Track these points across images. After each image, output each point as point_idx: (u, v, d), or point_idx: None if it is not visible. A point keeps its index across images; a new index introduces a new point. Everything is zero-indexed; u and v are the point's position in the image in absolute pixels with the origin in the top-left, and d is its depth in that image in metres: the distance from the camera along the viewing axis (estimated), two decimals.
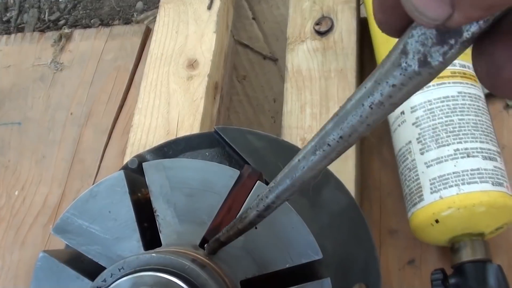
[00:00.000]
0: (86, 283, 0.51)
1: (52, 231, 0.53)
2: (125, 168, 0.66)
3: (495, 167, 0.68)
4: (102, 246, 0.52)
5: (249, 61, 1.01)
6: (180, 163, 0.53)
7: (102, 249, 0.52)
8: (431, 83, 0.71)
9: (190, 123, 0.80)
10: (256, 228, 0.51)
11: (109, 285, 0.43)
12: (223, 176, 0.53)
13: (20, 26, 1.18)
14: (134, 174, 0.56)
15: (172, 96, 0.83)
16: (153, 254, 0.44)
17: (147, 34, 1.00)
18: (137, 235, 0.52)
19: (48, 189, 0.89)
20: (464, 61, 0.74)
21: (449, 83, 0.72)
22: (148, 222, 0.53)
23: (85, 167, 0.90)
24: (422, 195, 0.69)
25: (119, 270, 0.44)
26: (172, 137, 0.79)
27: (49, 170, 0.91)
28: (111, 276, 0.44)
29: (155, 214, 0.52)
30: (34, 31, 1.13)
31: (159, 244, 0.52)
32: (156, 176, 0.53)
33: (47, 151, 0.92)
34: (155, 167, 0.53)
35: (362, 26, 0.89)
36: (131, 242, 0.52)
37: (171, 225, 0.52)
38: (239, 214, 0.47)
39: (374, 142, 0.85)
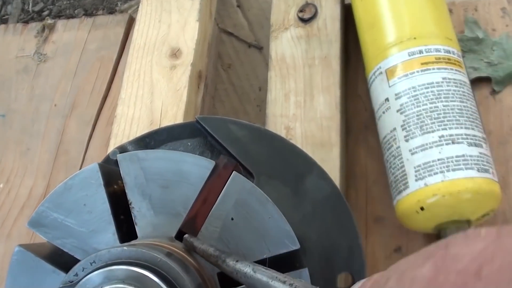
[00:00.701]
0: (62, 277, 0.50)
1: (28, 225, 0.53)
2: (107, 159, 0.66)
3: (480, 153, 0.67)
4: (78, 239, 0.52)
5: (234, 49, 1.01)
6: (154, 154, 0.53)
7: (77, 242, 0.52)
8: (415, 69, 0.71)
9: (173, 113, 0.79)
10: (232, 219, 0.50)
11: (81, 279, 0.42)
12: (198, 167, 0.52)
13: (4, 17, 1.17)
14: (110, 166, 0.55)
15: (155, 86, 0.82)
16: (124, 248, 0.43)
17: (131, 23, 0.99)
18: (112, 227, 0.51)
19: (33, 181, 0.89)
20: (449, 47, 0.73)
21: (433, 69, 0.71)
22: (124, 215, 0.53)
23: (70, 158, 0.89)
24: (407, 182, 0.68)
25: (91, 264, 0.43)
26: (155, 127, 0.78)
27: (33, 162, 0.90)
28: (82, 270, 0.43)
29: (130, 206, 0.51)
30: (18, 22, 1.12)
31: (135, 236, 0.51)
32: (130, 168, 0.52)
33: (32, 143, 0.91)
34: (130, 158, 0.52)
35: (347, 13, 0.88)
36: (106, 235, 0.51)
37: (146, 217, 0.51)
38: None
39: (360, 130, 0.84)
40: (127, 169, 0.52)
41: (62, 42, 0.99)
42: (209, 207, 0.50)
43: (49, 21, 0.98)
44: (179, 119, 0.78)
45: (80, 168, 0.87)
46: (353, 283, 0.62)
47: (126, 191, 0.52)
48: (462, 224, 0.68)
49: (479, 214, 0.69)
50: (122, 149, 0.67)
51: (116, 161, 0.63)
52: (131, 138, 0.77)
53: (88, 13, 1.10)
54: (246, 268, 0.44)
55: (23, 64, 0.98)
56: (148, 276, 0.41)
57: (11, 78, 0.98)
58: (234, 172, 0.51)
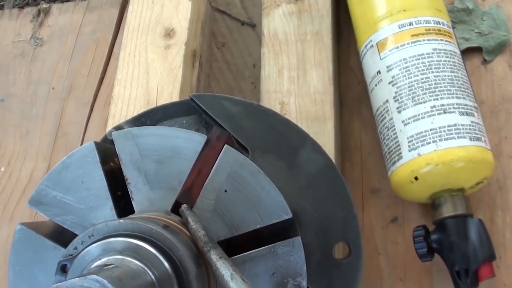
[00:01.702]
0: (62, 253, 0.52)
1: (28, 204, 0.54)
2: (105, 139, 0.67)
3: (472, 122, 0.68)
4: (77, 216, 0.53)
5: (227, 27, 1.01)
6: (148, 131, 0.54)
7: (77, 218, 0.53)
8: (405, 41, 0.72)
9: (169, 92, 0.80)
10: (226, 191, 0.52)
11: (80, 252, 0.44)
12: (191, 142, 0.53)
13: (0, 3, 1.17)
14: (107, 145, 0.57)
15: (150, 66, 0.83)
16: (121, 221, 0.44)
17: (125, 5, 0.99)
18: (110, 203, 0.53)
19: (33, 164, 0.90)
20: (438, 18, 0.74)
21: (423, 40, 0.72)
22: (121, 191, 0.54)
23: (69, 140, 0.90)
24: (400, 153, 0.69)
25: (89, 237, 0.44)
26: (152, 106, 0.79)
27: (33, 145, 0.91)
28: (81, 244, 0.44)
29: (126, 182, 0.53)
30: (13, 7, 1.13)
31: (133, 211, 0.53)
32: (125, 145, 0.53)
33: (31, 126, 0.93)
34: (124, 136, 0.54)
35: None
36: (104, 211, 0.53)
37: (142, 192, 0.52)
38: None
39: (354, 103, 0.85)
40: (122, 146, 0.53)
41: (57, 25, 1.00)
42: (204, 178, 0.52)
43: (44, 5, 0.99)
44: (175, 98, 0.80)
45: None
46: (350, 252, 0.63)
47: (122, 167, 0.53)
48: (456, 192, 0.70)
49: (473, 182, 0.70)
50: (119, 128, 0.68)
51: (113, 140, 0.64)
52: (128, 118, 0.78)
53: None
54: (225, 271, 0.44)
55: (20, 49, 0.99)
56: (144, 247, 0.43)
57: (9, 63, 0.99)
58: (225, 145, 0.53)
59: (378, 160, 0.80)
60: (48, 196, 0.54)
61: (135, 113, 0.79)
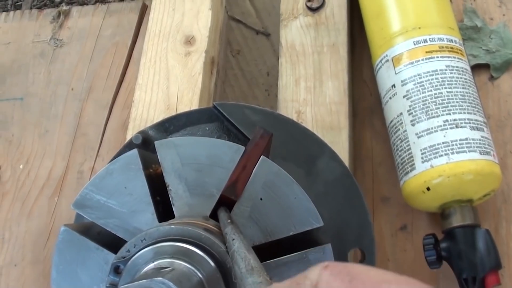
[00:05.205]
0: (105, 254, 0.55)
1: (72, 206, 0.57)
2: (130, 143, 0.70)
3: (482, 137, 0.72)
4: (120, 219, 0.56)
5: (242, 36, 1.04)
6: (189, 141, 0.57)
7: (119, 222, 0.56)
8: (420, 57, 0.75)
9: (189, 98, 0.83)
10: (261, 199, 0.55)
11: (133, 255, 0.47)
12: (229, 151, 0.56)
13: (17, 3, 1.19)
14: (146, 152, 0.60)
15: (171, 72, 0.86)
16: (172, 226, 0.47)
17: (144, 10, 1.02)
18: (151, 208, 0.56)
19: (52, 162, 0.92)
20: (451, 36, 0.77)
21: (437, 57, 0.75)
22: (160, 196, 0.57)
23: (88, 140, 0.92)
24: (413, 164, 0.73)
25: (141, 241, 0.47)
26: (172, 111, 0.82)
27: (52, 144, 0.93)
28: (134, 247, 0.47)
29: (167, 188, 0.56)
30: (31, 8, 1.14)
31: (170, 216, 0.56)
32: (167, 154, 0.56)
33: (50, 125, 0.95)
34: (166, 145, 0.57)
35: (353, 2, 0.92)
36: (146, 215, 0.56)
37: (182, 198, 0.55)
38: None
39: (366, 114, 0.88)
40: (164, 155, 0.56)
41: (77, 28, 1.02)
42: (248, 173, 0.55)
43: (64, 7, 1.01)
44: (194, 104, 0.82)
45: (98, 150, 0.91)
46: (364, 258, 0.66)
47: (164, 174, 0.56)
48: (465, 203, 0.73)
49: (481, 194, 0.74)
50: (144, 133, 0.71)
51: (139, 145, 0.67)
52: (149, 122, 0.81)
53: (100, 0, 1.13)
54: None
55: (40, 49, 1.01)
56: (194, 251, 0.46)
57: (28, 63, 1.01)
58: (262, 156, 0.56)
59: (388, 170, 0.83)
60: (92, 200, 0.56)
61: (156, 117, 0.82)
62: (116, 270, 0.47)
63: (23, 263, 0.86)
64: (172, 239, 0.47)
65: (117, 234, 0.56)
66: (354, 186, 0.68)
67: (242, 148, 0.57)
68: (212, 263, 0.46)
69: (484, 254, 0.70)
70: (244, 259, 0.43)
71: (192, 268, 0.45)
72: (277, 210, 0.55)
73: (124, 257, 0.47)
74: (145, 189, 0.56)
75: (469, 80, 0.75)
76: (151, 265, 0.46)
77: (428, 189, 0.71)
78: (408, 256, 0.79)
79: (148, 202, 0.56)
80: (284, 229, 0.55)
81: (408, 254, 0.79)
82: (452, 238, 0.72)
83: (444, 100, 0.73)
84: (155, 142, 0.57)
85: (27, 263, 0.86)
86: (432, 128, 0.72)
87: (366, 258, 0.66)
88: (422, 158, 0.72)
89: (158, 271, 0.44)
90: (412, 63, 0.76)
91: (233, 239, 0.46)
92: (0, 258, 0.87)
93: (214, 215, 0.55)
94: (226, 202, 0.55)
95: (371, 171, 0.85)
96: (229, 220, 0.50)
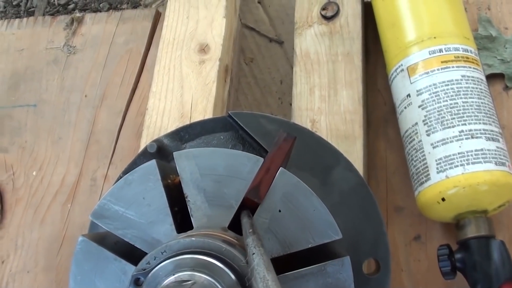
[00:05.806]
0: (123, 264, 0.55)
1: (90, 217, 0.57)
2: (144, 151, 0.70)
3: (497, 147, 0.71)
4: (138, 230, 0.56)
5: (255, 44, 1.04)
6: (207, 152, 0.57)
7: (137, 232, 0.56)
8: (435, 67, 0.75)
9: (203, 106, 0.83)
10: (280, 211, 0.55)
11: (154, 267, 0.47)
12: (249, 163, 0.56)
13: (30, 10, 1.19)
14: (164, 162, 0.60)
15: (185, 80, 0.86)
16: (192, 238, 0.47)
17: (157, 18, 1.02)
18: (170, 219, 0.55)
19: (65, 169, 0.92)
20: (467, 46, 0.77)
21: (453, 67, 0.75)
22: (178, 206, 0.57)
23: (101, 147, 0.92)
24: (429, 174, 0.72)
25: (162, 253, 0.47)
26: (186, 119, 0.82)
27: (65, 150, 0.93)
28: (154, 259, 0.47)
29: (186, 199, 0.56)
30: (44, 15, 1.15)
31: (189, 226, 0.56)
32: (186, 164, 0.56)
33: (63, 132, 0.95)
34: (185, 156, 0.57)
35: (367, 10, 0.92)
36: (164, 226, 0.56)
37: (201, 209, 0.55)
38: None
39: (380, 123, 0.88)
40: (183, 165, 0.56)
41: (90, 35, 1.02)
42: (272, 176, 0.55)
43: (78, 14, 1.01)
44: (208, 112, 0.82)
45: (111, 157, 0.91)
46: (378, 268, 0.66)
47: (182, 185, 0.56)
48: (480, 214, 0.73)
49: (496, 205, 0.73)
50: (159, 142, 0.71)
51: (154, 153, 0.67)
52: (163, 129, 0.81)
53: (113, 7, 1.13)
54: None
55: (53, 56, 1.01)
56: (215, 264, 0.46)
57: (41, 69, 1.01)
58: (281, 168, 0.56)
59: (402, 179, 0.83)
60: (110, 210, 0.56)
61: (170, 125, 0.82)
62: (137, 282, 0.47)
63: (35, 269, 0.86)
64: (193, 252, 0.47)
65: (135, 245, 0.56)
66: (369, 196, 0.68)
67: (261, 159, 0.56)
68: (233, 276, 0.46)
69: (499, 266, 0.70)
70: (262, 280, 0.43)
71: (213, 281, 0.45)
72: (296, 222, 0.55)
73: (145, 269, 0.47)
74: (163, 200, 0.56)
75: (485, 90, 0.75)
76: (172, 278, 0.45)
77: (443, 199, 0.71)
78: (422, 266, 0.79)
79: (166, 213, 0.56)
80: (303, 242, 0.55)
81: (422, 264, 0.79)
82: (467, 249, 0.72)
83: (460, 110, 0.72)
84: (174, 153, 0.57)
85: (40, 270, 0.86)
86: (447, 139, 0.72)
87: (381, 269, 0.66)
88: (437, 168, 0.72)
89: (179, 284, 0.44)
90: (427, 72, 0.76)
91: (253, 253, 0.45)
92: (13, 264, 0.87)
93: (232, 226, 0.55)
94: (248, 205, 0.55)
95: (385, 181, 0.84)
96: (251, 230, 0.49)
